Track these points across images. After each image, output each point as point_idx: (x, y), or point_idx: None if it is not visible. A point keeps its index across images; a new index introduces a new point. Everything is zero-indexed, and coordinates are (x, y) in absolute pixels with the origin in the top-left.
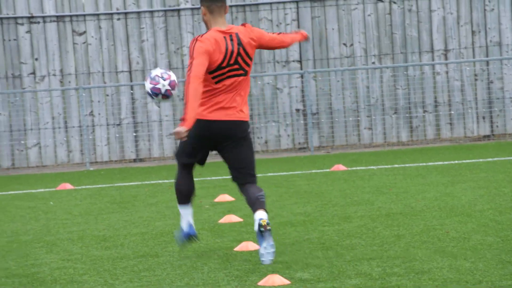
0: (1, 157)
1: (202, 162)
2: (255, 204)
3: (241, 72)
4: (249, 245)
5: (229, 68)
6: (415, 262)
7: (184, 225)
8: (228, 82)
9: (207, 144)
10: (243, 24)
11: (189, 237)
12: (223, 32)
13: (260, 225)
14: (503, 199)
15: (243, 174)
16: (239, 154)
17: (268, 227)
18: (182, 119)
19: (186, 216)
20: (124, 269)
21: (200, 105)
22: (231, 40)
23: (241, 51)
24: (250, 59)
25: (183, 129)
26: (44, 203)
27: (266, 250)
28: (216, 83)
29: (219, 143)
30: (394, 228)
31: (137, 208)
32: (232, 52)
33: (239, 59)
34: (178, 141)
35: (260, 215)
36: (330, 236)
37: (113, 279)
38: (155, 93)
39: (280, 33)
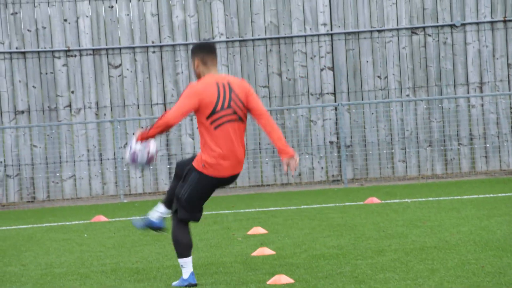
0: (37, 189)
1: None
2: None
3: (235, 117)
4: (281, 278)
5: (222, 113)
6: None
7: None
8: (225, 127)
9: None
10: (241, 79)
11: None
12: (216, 79)
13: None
14: None
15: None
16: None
17: None
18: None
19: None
20: None
21: (204, 152)
22: (223, 86)
23: (233, 96)
24: (245, 107)
25: (139, 133)
26: (79, 236)
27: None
28: (214, 128)
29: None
30: (428, 262)
31: (169, 241)
32: (224, 97)
33: (232, 104)
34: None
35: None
36: (363, 270)
37: None
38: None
39: (270, 116)
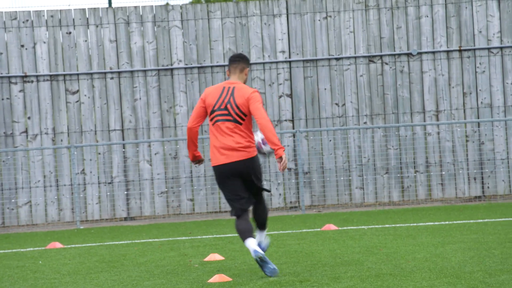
0: None
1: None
2: (257, 224)
3: (229, 118)
4: None
5: (218, 112)
6: None
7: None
8: (219, 124)
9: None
10: (254, 90)
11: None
12: (225, 84)
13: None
14: (493, 261)
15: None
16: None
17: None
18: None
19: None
20: None
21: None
22: (227, 90)
23: (231, 100)
24: (243, 112)
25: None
26: (33, 262)
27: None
28: (212, 124)
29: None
30: None
31: (126, 267)
32: (224, 99)
33: (230, 108)
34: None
35: (259, 235)
36: None
37: None
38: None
39: (269, 120)
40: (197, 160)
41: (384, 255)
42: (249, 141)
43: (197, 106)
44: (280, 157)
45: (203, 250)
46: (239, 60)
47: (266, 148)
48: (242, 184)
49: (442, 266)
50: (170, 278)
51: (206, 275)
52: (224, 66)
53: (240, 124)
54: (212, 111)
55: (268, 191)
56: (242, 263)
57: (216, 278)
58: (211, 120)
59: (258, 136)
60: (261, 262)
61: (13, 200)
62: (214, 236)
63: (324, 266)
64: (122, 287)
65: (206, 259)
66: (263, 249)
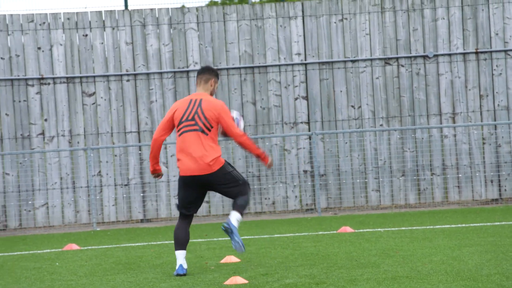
0: (9, 218)
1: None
2: (233, 205)
3: (196, 127)
4: None
5: (185, 123)
6: None
7: (177, 265)
8: (186, 134)
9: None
10: (223, 103)
11: (179, 275)
12: (192, 96)
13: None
14: (510, 263)
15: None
16: (222, 191)
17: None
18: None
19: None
20: None
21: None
22: (194, 102)
23: (199, 111)
24: (210, 123)
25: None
26: (50, 264)
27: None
28: (179, 135)
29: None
30: None
31: (142, 269)
32: (191, 110)
33: (197, 118)
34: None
35: (233, 215)
36: None
37: None
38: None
39: (245, 134)
40: (156, 173)
41: (401, 258)
42: (215, 153)
43: (165, 118)
44: (268, 163)
45: (219, 252)
46: (204, 72)
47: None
48: (197, 195)
49: (459, 269)
50: (186, 280)
51: (222, 277)
52: (240, 68)
53: (206, 134)
54: (180, 123)
55: (247, 186)
56: (258, 265)
57: (232, 280)
58: (178, 131)
59: (234, 114)
60: (177, 275)
61: (30, 202)
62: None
63: (341, 269)
64: None
65: (222, 261)
66: (229, 223)
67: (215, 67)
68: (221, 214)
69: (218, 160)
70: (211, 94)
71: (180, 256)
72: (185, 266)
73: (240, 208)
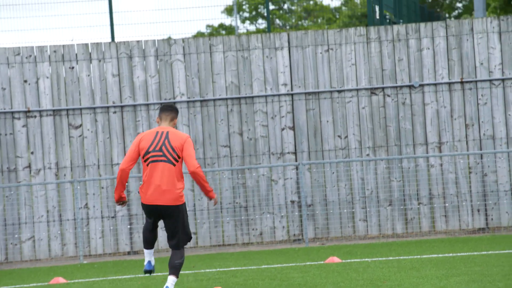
0: None
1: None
2: (170, 269)
3: (164, 158)
4: None
5: (153, 153)
6: None
7: (146, 262)
8: (153, 164)
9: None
10: (186, 135)
11: (147, 271)
12: (158, 129)
13: None
14: None
15: (171, 240)
16: (170, 226)
17: None
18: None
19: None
20: None
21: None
22: (161, 134)
23: (166, 142)
24: (177, 154)
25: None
26: None
27: None
28: (147, 165)
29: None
30: None
31: None
32: (158, 142)
33: (164, 150)
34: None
35: (170, 280)
36: None
37: None
38: None
39: (199, 166)
40: (121, 201)
41: None
42: (180, 188)
43: (131, 149)
44: (214, 200)
45: (207, 283)
46: (171, 110)
47: None
48: (158, 222)
49: None
50: None
51: None
52: (226, 99)
53: (174, 165)
54: (147, 153)
55: (188, 240)
56: None
57: None
58: (145, 161)
59: None
60: (145, 272)
61: (16, 236)
62: (218, 269)
63: None
64: None
65: None
66: None
67: (202, 98)
68: (208, 245)
69: (182, 196)
70: None
71: (148, 254)
72: (152, 262)
73: (177, 272)
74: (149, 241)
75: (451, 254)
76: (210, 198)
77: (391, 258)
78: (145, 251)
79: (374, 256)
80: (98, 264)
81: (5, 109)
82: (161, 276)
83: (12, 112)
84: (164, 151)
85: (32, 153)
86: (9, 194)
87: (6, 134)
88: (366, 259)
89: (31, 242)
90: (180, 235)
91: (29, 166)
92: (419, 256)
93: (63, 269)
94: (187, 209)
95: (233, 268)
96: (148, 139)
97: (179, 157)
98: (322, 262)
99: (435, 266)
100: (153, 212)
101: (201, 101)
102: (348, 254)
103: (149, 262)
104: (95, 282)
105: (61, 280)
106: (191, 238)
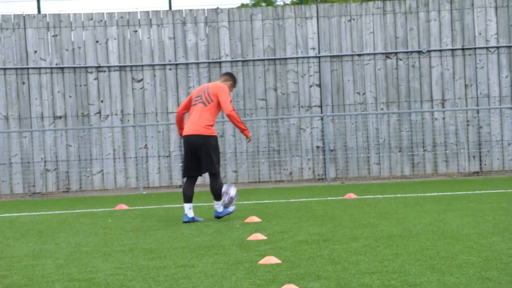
0: (71, 182)
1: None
2: (213, 195)
3: (200, 100)
4: (271, 259)
5: (195, 99)
6: (409, 276)
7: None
8: (193, 107)
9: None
10: (225, 85)
11: (184, 222)
12: (207, 83)
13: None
14: (486, 225)
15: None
16: (201, 155)
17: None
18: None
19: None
20: (166, 276)
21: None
22: (206, 87)
23: (205, 92)
24: (211, 98)
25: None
26: (103, 221)
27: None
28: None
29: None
30: (393, 247)
31: (179, 226)
32: (202, 92)
33: (202, 95)
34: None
35: (215, 204)
36: (339, 253)
37: (156, 285)
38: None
39: (234, 110)
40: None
41: (395, 220)
42: (210, 122)
43: (186, 99)
44: (248, 137)
45: (244, 213)
46: (226, 74)
47: (224, 198)
48: (194, 156)
49: (443, 230)
50: (216, 236)
51: (246, 234)
52: (263, 60)
53: (205, 105)
54: (193, 99)
55: (216, 171)
56: (276, 225)
57: (254, 237)
58: (192, 105)
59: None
60: (184, 223)
61: (88, 169)
62: (254, 202)
63: (344, 228)
64: (176, 242)
65: (246, 220)
66: (219, 215)
67: (243, 59)
68: (247, 181)
69: (210, 128)
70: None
71: (186, 207)
72: (190, 215)
73: (217, 197)
74: (187, 196)
75: (449, 193)
76: (245, 136)
77: (399, 195)
78: (185, 205)
79: (385, 193)
80: (155, 195)
81: (80, 65)
82: (206, 206)
83: (86, 67)
84: (202, 96)
85: (101, 101)
86: (83, 135)
87: (81, 85)
88: (378, 196)
89: (100, 175)
90: (209, 164)
91: (99, 112)
92: (422, 194)
93: (126, 198)
94: (219, 148)
95: (266, 201)
96: (197, 90)
97: (212, 100)
98: (341, 197)
99: (435, 203)
100: (187, 143)
101: (242, 61)
102: (363, 191)
103: (186, 215)
104: (151, 209)
105: (124, 206)
106: (218, 172)
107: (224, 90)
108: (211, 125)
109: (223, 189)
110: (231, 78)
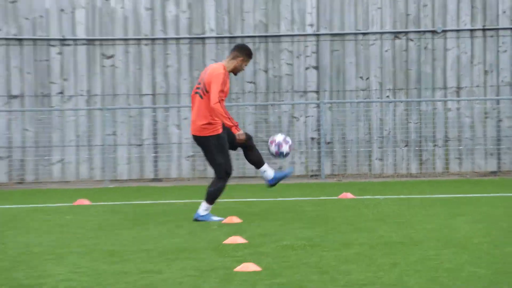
0: (26, 172)
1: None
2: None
3: (198, 91)
4: (249, 266)
5: (197, 85)
6: None
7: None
8: (194, 96)
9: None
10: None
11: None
12: (209, 66)
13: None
14: (500, 233)
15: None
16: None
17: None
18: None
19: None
20: (126, 284)
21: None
22: (205, 73)
23: (204, 77)
24: (206, 88)
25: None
26: (60, 217)
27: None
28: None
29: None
30: (391, 256)
31: (147, 225)
32: (202, 76)
33: (201, 82)
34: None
35: (201, 204)
36: (328, 261)
37: None
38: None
39: (219, 102)
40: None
41: (395, 224)
42: (207, 119)
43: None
44: (237, 134)
45: (223, 213)
46: (235, 49)
47: (272, 149)
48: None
49: (450, 237)
50: (189, 238)
51: (223, 236)
52: (254, 37)
53: (201, 97)
54: (195, 86)
55: (221, 172)
56: (258, 227)
57: (231, 240)
58: (193, 93)
59: (278, 138)
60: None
61: (46, 158)
62: (235, 199)
63: (337, 233)
64: (141, 244)
65: (225, 221)
66: (197, 217)
67: (230, 35)
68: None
69: (208, 127)
70: (235, 69)
71: (264, 169)
72: (272, 175)
73: (207, 197)
74: (258, 161)
75: (460, 195)
76: (234, 133)
77: (402, 196)
78: (261, 168)
79: (386, 193)
80: (122, 189)
81: (41, 36)
82: (181, 203)
83: (48, 40)
84: (201, 83)
85: (65, 80)
86: (42, 118)
87: (41, 61)
88: (378, 196)
89: (60, 164)
90: (212, 166)
91: (62, 92)
92: (430, 196)
93: (89, 191)
94: (224, 145)
95: (250, 199)
96: (202, 73)
97: (207, 91)
98: (336, 197)
99: (443, 206)
100: (197, 143)
101: (229, 37)
102: (361, 191)
103: (271, 178)
104: (117, 205)
105: (85, 202)
106: (224, 170)
107: (217, 78)
108: (209, 123)
109: (281, 139)
110: (242, 52)
